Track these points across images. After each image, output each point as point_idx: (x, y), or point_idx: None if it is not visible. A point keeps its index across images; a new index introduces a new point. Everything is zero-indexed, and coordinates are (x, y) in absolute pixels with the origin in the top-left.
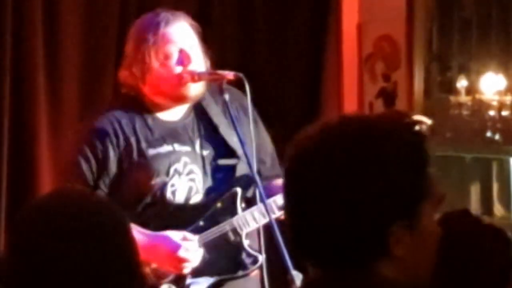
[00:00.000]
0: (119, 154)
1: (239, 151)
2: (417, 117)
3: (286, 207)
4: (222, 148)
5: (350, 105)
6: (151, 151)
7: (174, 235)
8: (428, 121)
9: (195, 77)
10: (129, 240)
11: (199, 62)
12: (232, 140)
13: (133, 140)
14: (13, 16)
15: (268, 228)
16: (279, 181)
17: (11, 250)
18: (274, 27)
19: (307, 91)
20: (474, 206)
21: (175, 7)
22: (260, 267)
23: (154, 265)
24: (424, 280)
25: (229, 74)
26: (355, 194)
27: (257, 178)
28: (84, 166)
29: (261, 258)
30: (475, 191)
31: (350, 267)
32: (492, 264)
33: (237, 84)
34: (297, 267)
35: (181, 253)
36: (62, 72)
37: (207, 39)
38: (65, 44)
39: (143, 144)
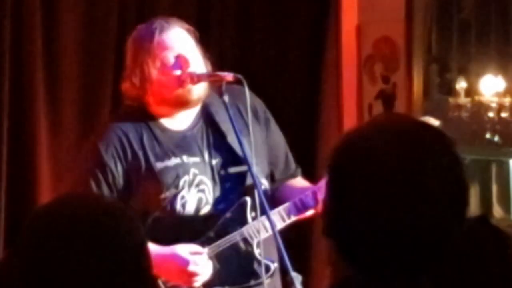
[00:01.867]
0: (127, 169)
1: (247, 158)
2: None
3: (340, 212)
4: (231, 156)
5: (349, 107)
6: (159, 165)
7: (183, 249)
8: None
9: (194, 78)
10: (141, 246)
11: (199, 65)
12: (240, 148)
13: (141, 154)
14: (12, 18)
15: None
16: (292, 182)
17: (16, 255)
18: (273, 28)
19: (306, 92)
20: (473, 207)
21: (174, 10)
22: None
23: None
24: None
25: (229, 76)
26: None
27: (257, 182)
28: (94, 186)
29: (273, 266)
30: (474, 192)
31: (403, 277)
32: (491, 265)
33: (236, 85)
34: (297, 269)
35: (191, 267)
36: (61, 74)
37: (206, 41)
38: (64, 46)
39: (151, 158)
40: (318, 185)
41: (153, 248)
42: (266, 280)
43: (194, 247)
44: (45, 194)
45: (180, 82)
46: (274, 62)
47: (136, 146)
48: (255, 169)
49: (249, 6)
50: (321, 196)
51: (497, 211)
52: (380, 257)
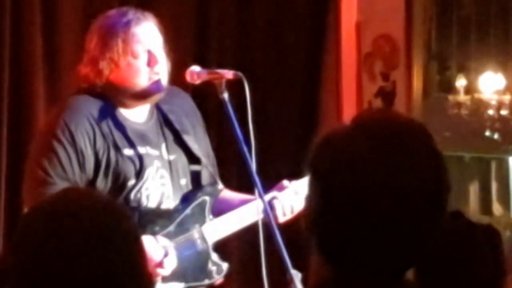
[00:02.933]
0: (95, 153)
1: (203, 158)
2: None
3: (323, 209)
4: (187, 154)
5: (349, 104)
6: (128, 152)
7: (154, 240)
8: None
9: (195, 76)
10: (138, 244)
11: (164, 63)
12: (194, 147)
13: (109, 139)
14: (12, 15)
15: (267, 226)
16: (228, 193)
17: (13, 253)
18: (272, 26)
19: (306, 90)
20: (473, 205)
21: (174, 8)
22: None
23: None
24: None
25: (229, 73)
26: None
27: (255, 177)
28: (63, 157)
29: (225, 267)
30: (474, 190)
31: (386, 276)
32: (484, 264)
33: (236, 83)
34: (296, 267)
35: (160, 259)
36: (61, 70)
37: (206, 39)
38: (64, 43)
39: (119, 144)
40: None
41: None
42: (218, 281)
43: (163, 239)
44: None
45: (160, 87)
46: (274, 60)
47: (104, 130)
48: (211, 169)
49: (248, 4)
50: (277, 204)
51: (497, 208)
52: (359, 256)
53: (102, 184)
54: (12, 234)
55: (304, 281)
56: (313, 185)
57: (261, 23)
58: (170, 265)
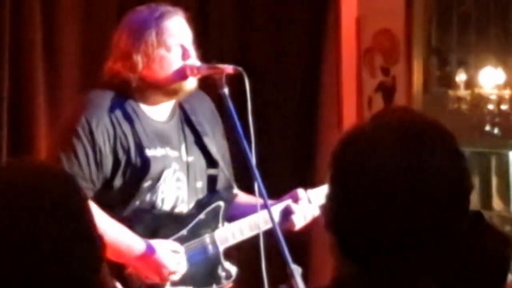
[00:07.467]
0: (115, 152)
1: (220, 162)
2: None
3: (352, 208)
4: (206, 157)
5: (349, 99)
6: (148, 152)
7: (165, 246)
8: None
9: (195, 70)
10: (83, 206)
11: (195, 56)
12: (213, 150)
13: (131, 138)
14: (12, 15)
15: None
16: (243, 196)
17: None
18: (273, 21)
19: (306, 85)
20: (473, 200)
21: (173, 3)
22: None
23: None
24: None
25: (229, 68)
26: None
27: (258, 177)
28: (81, 155)
29: (234, 272)
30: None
31: (405, 275)
32: (488, 262)
33: (236, 78)
34: (296, 261)
35: (171, 265)
36: (60, 65)
37: (206, 34)
38: (64, 37)
39: (142, 143)
40: (285, 200)
41: (137, 241)
42: (226, 286)
43: (174, 245)
44: None
45: (182, 73)
46: (274, 55)
47: (126, 128)
48: (227, 173)
49: (248, 0)
50: (293, 212)
51: (497, 203)
52: (379, 255)
53: (119, 183)
54: None
55: (304, 275)
56: (334, 184)
57: (261, 17)
58: (181, 270)
